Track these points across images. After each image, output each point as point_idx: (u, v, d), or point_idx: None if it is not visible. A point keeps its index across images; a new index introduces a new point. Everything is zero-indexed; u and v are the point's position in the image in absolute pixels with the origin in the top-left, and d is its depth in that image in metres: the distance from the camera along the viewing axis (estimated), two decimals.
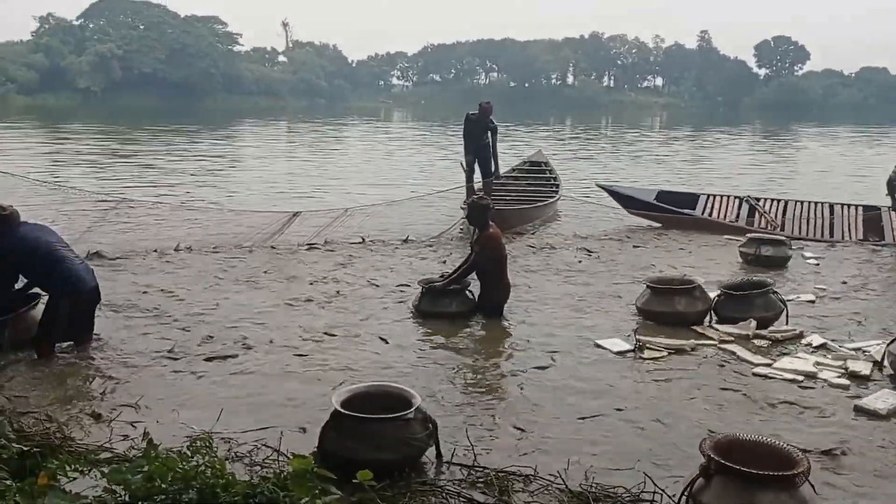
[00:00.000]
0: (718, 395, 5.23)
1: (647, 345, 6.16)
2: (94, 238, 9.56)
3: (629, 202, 13.07)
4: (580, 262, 9.55)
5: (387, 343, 6.24)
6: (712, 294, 7.13)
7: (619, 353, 6.06)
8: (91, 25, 78.79)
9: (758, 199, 13.22)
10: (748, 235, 10.00)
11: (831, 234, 11.91)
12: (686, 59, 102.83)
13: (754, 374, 5.62)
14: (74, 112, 49.19)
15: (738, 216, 12.72)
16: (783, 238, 9.98)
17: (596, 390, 5.29)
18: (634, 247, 10.77)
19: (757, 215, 12.75)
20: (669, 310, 6.86)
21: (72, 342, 5.90)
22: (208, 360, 5.73)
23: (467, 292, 7.13)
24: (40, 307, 5.93)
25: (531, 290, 8.01)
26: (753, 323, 6.63)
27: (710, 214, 12.80)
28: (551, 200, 13.22)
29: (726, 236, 11.33)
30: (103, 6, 78.36)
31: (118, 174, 17.42)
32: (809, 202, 12.92)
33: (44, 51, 71.15)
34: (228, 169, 20.04)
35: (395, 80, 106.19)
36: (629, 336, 6.38)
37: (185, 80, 73.20)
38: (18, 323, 5.86)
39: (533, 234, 11.67)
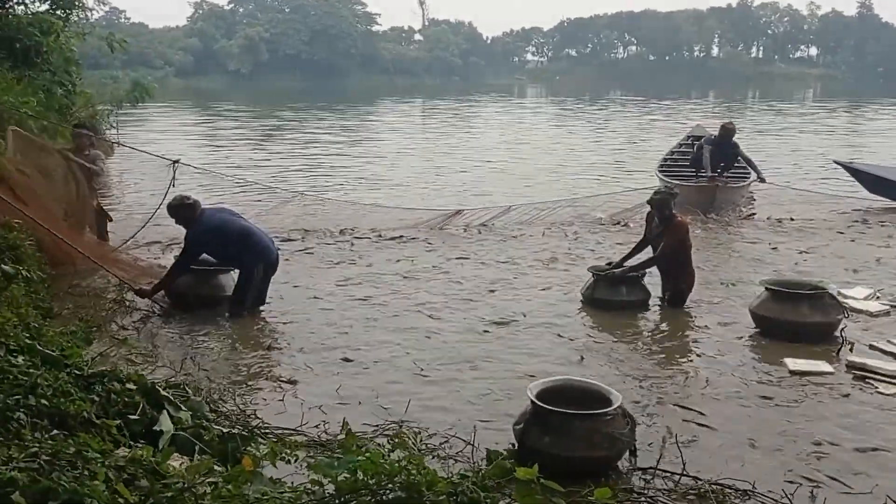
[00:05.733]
0: None
1: (868, 371, 5.09)
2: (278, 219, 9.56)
3: (875, 183, 11.36)
4: (796, 262, 8.23)
5: (560, 336, 5.94)
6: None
7: (821, 373, 5.15)
8: (241, 10, 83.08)
9: None
10: None
11: None
12: (844, 27, 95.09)
13: None
14: (225, 93, 51.59)
15: None
16: None
17: (804, 407, 4.66)
18: (883, 242, 9.27)
19: None
20: (777, 316, 5.77)
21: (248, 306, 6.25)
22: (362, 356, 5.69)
23: (643, 282, 6.68)
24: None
25: (722, 281, 7.39)
26: None
27: None
28: (745, 183, 11.31)
29: None
30: None
31: (281, 160, 17.47)
32: None
33: (198, 35, 75.34)
34: (378, 153, 19.53)
35: (529, 56, 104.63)
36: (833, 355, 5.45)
37: (326, 61, 75.41)
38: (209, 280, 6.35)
39: (721, 217, 10.43)
